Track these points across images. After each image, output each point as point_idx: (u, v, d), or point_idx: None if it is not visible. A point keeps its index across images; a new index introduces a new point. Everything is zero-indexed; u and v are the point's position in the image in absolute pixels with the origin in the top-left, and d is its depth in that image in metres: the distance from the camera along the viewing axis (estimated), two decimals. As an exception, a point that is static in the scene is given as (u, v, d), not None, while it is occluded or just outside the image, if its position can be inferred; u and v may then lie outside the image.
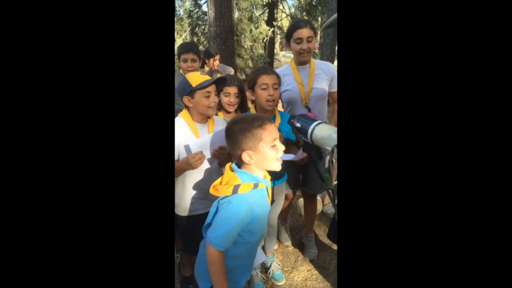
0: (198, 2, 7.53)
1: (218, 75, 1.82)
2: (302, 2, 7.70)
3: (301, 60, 1.53)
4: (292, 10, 8.62)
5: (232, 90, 1.38)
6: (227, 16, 4.66)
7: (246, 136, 0.86)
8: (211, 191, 0.89)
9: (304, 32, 1.46)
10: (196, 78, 1.14)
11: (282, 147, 0.89)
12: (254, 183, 0.88)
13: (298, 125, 1.05)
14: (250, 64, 6.94)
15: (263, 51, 7.26)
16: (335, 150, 0.87)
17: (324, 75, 1.57)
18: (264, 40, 7.18)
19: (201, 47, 7.36)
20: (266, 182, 0.92)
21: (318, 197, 2.37)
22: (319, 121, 1.01)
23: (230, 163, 0.94)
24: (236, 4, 6.10)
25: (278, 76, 1.33)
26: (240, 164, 0.92)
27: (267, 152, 0.87)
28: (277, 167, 0.90)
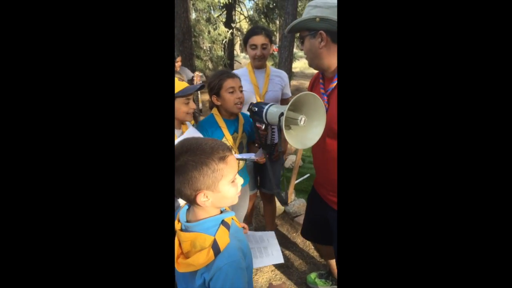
0: (153, 1, 7.26)
1: (178, 76, 1.79)
2: (260, 5, 7.81)
3: (256, 64, 1.59)
4: (251, 12, 8.70)
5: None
6: (184, 17, 4.56)
7: (204, 173, 0.64)
8: (179, 268, 0.66)
9: (259, 39, 1.52)
10: (175, 85, 1.11)
11: (241, 180, 0.72)
12: (224, 226, 0.70)
13: (255, 109, 1.15)
14: (210, 65, 6.84)
15: (222, 53, 7.21)
16: (282, 118, 0.93)
17: (278, 81, 1.65)
18: (223, 42, 7.14)
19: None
20: (229, 213, 0.75)
21: (280, 197, 2.41)
22: (271, 103, 1.12)
23: (176, 220, 0.73)
24: (193, 5, 5.99)
25: (239, 78, 1.35)
26: (191, 206, 0.71)
27: (228, 191, 0.68)
28: (236, 201, 0.73)
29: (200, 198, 0.65)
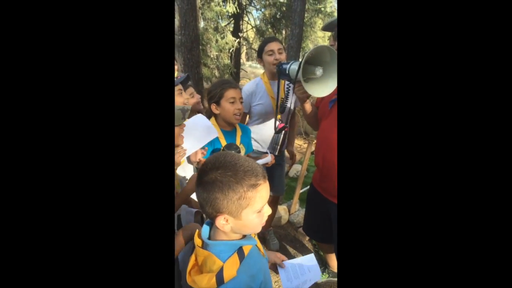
0: (163, 10, 7.41)
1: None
2: (267, 15, 7.93)
3: (273, 72, 1.61)
4: (258, 22, 8.82)
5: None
6: (192, 26, 4.63)
7: (229, 198, 0.59)
8: (188, 281, 0.64)
9: (275, 45, 1.59)
10: None
11: (269, 211, 0.65)
12: (238, 255, 0.63)
13: (280, 67, 1.35)
14: (216, 73, 6.92)
15: (229, 61, 7.29)
16: (300, 67, 1.09)
17: (291, 91, 1.68)
18: (230, 51, 7.23)
19: (165, 55, 7.19)
20: (251, 241, 0.68)
21: (285, 207, 2.39)
22: (293, 61, 1.27)
23: (198, 231, 0.70)
24: (202, 14, 6.10)
25: (240, 90, 1.37)
26: (215, 228, 0.66)
27: (251, 220, 0.62)
28: (258, 231, 0.67)
29: (220, 221, 0.61)
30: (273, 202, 1.94)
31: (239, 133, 1.41)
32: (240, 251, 0.64)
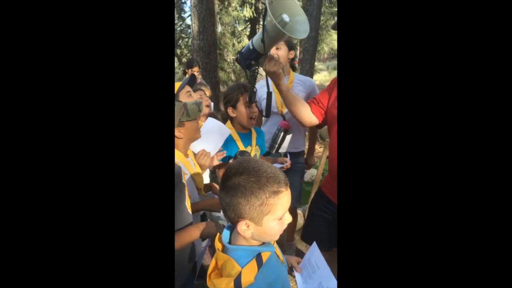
0: (182, 15, 7.58)
1: (203, 88, 1.87)
2: (284, 19, 7.95)
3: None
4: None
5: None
6: (211, 30, 4.73)
7: (251, 204, 0.60)
8: (208, 284, 0.66)
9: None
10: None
11: (289, 218, 0.66)
12: (257, 262, 0.64)
13: (246, 48, 1.13)
14: (233, 77, 7.00)
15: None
16: (267, 10, 0.93)
17: (301, 88, 1.65)
18: (247, 54, 7.29)
19: (184, 59, 7.36)
20: (269, 247, 0.68)
21: (300, 211, 2.40)
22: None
23: (219, 234, 0.71)
24: (220, 18, 6.20)
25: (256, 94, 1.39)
26: (236, 233, 0.67)
27: (272, 227, 0.63)
28: (277, 238, 0.68)
29: (241, 226, 0.62)
30: (293, 213, 1.91)
31: (254, 135, 1.44)
32: (258, 257, 0.64)
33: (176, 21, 7.39)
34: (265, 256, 0.66)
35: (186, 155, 1.19)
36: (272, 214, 0.61)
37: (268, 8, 0.94)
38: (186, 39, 7.64)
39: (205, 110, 1.20)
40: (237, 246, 0.66)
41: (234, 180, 0.61)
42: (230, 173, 0.62)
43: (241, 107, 1.33)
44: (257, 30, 7.99)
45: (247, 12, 6.59)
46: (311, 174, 3.12)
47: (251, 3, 6.56)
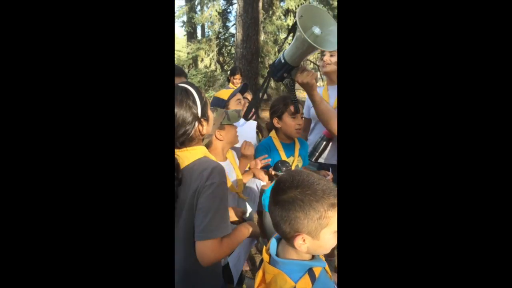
0: (227, 24, 7.88)
1: (246, 94, 1.98)
2: (327, 27, 7.85)
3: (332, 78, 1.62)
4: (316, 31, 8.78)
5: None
6: (254, 39, 4.84)
7: (310, 218, 0.58)
8: None
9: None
10: (225, 93, 1.38)
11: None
12: (310, 276, 0.62)
13: (277, 60, 1.15)
14: (273, 84, 7.07)
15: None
16: (297, 25, 0.95)
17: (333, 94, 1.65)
18: (288, 62, 7.31)
19: (226, 67, 7.61)
20: (321, 262, 0.66)
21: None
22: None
23: (265, 247, 0.69)
24: (263, 27, 6.33)
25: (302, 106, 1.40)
26: (285, 245, 0.65)
27: (328, 241, 0.61)
28: (328, 252, 0.67)
29: (298, 241, 0.60)
30: None
31: (297, 146, 1.45)
32: (311, 272, 0.63)
33: (220, 30, 7.70)
34: (317, 271, 0.64)
35: (224, 159, 1.24)
36: (329, 227, 0.60)
37: (298, 23, 0.95)
38: (229, 47, 7.91)
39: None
40: (289, 260, 0.64)
41: (289, 193, 0.60)
42: (283, 186, 0.61)
43: (286, 118, 1.36)
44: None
45: (291, 21, 6.64)
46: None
47: (295, 12, 6.60)
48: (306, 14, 1.00)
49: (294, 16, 6.88)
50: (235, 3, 6.94)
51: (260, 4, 4.93)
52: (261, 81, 6.18)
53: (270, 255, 0.67)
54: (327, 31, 1.03)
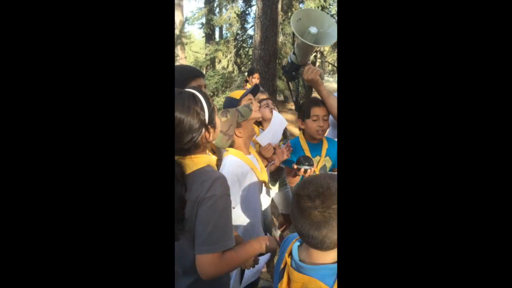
0: (245, 26, 7.92)
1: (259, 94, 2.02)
2: (346, 29, 7.74)
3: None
4: (335, 36, 8.67)
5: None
6: (272, 40, 4.83)
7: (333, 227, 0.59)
8: None
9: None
10: (238, 93, 1.43)
11: None
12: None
13: (288, 63, 1.29)
14: (291, 85, 7.03)
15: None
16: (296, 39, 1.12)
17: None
18: (305, 64, 7.26)
19: (243, 68, 7.64)
20: None
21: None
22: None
23: (287, 254, 0.67)
24: (282, 29, 6.31)
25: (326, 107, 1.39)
26: (310, 250, 0.63)
27: None
28: None
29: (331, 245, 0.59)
30: None
31: (325, 146, 1.47)
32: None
33: (238, 32, 7.75)
34: None
35: (248, 153, 1.27)
36: None
37: (292, 27, 1.07)
38: (247, 49, 7.94)
39: (256, 115, 1.26)
40: (319, 265, 0.62)
41: (319, 210, 0.58)
42: (306, 193, 0.59)
43: (308, 120, 1.41)
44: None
45: (309, 23, 6.59)
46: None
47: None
48: (303, 17, 1.11)
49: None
50: (254, 5, 6.97)
51: (279, 6, 4.91)
52: (278, 82, 6.17)
53: (291, 261, 0.64)
54: (325, 28, 1.13)
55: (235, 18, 7.11)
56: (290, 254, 0.67)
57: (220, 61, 7.34)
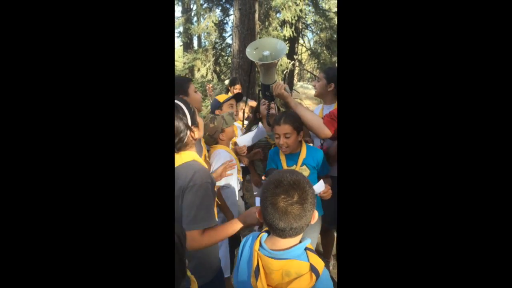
0: (223, 35, 7.95)
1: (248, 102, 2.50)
2: (322, 37, 7.97)
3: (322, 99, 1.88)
4: (312, 44, 8.92)
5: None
6: (251, 49, 4.87)
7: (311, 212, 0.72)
8: None
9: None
10: (222, 97, 1.94)
11: None
12: (310, 251, 0.73)
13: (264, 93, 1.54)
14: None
15: (283, 82, 7.44)
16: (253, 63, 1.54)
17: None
18: (284, 72, 7.38)
19: (222, 77, 7.64)
20: (308, 240, 0.79)
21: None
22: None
23: (257, 251, 0.74)
24: (260, 38, 6.39)
25: (295, 123, 1.43)
26: (271, 235, 0.74)
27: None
28: None
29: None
30: (330, 236, 2.01)
31: (302, 156, 1.50)
32: (308, 249, 0.73)
33: (217, 41, 7.76)
34: (310, 245, 0.74)
35: (229, 146, 1.67)
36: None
37: (248, 55, 1.39)
38: (226, 57, 7.96)
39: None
40: (291, 248, 0.71)
41: (298, 204, 0.67)
42: (287, 198, 0.67)
43: (275, 138, 1.52)
44: (296, 48, 8.09)
45: (287, 32, 6.72)
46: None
47: (292, 23, 6.69)
48: (259, 46, 1.42)
49: (290, 27, 7.00)
50: (231, 14, 7.03)
51: (256, 15, 4.98)
52: (257, 90, 6.22)
53: (266, 252, 0.72)
54: (275, 48, 1.41)
55: (213, 27, 7.13)
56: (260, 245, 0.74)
57: (199, 69, 7.30)
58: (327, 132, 1.38)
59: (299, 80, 15.92)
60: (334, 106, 1.71)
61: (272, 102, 1.54)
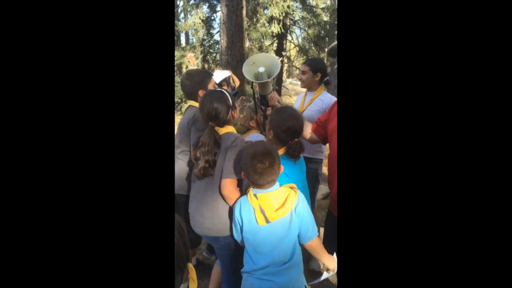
0: (211, 31, 7.88)
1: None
2: (310, 34, 8.00)
3: (301, 86, 2.05)
4: (300, 40, 8.95)
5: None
6: (239, 46, 4.84)
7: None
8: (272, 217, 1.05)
9: (302, 66, 2.05)
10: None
11: None
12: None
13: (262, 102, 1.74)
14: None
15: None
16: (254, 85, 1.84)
17: (321, 103, 1.91)
18: (273, 69, 7.37)
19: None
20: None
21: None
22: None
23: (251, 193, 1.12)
24: (247, 34, 6.36)
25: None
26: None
27: None
28: None
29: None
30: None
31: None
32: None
33: (204, 37, 7.68)
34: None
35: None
36: None
37: (244, 72, 1.58)
38: (214, 54, 7.89)
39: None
40: (272, 186, 1.07)
41: (267, 167, 1.05)
42: (260, 163, 1.04)
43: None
44: (284, 45, 8.09)
45: (275, 28, 6.71)
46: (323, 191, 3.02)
47: (279, 20, 6.67)
48: (256, 60, 1.62)
49: (278, 23, 7.00)
50: (218, 11, 6.96)
51: (244, 11, 4.95)
52: (247, 87, 6.20)
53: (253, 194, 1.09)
54: (269, 64, 1.60)
55: (200, 24, 7.04)
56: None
57: (187, 66, 7.21)
58: (306, 133, 1.50)
59: (288, 77, 15.97)
60: (314, 94, 1.93)
61: (268, 108, 1.72)
